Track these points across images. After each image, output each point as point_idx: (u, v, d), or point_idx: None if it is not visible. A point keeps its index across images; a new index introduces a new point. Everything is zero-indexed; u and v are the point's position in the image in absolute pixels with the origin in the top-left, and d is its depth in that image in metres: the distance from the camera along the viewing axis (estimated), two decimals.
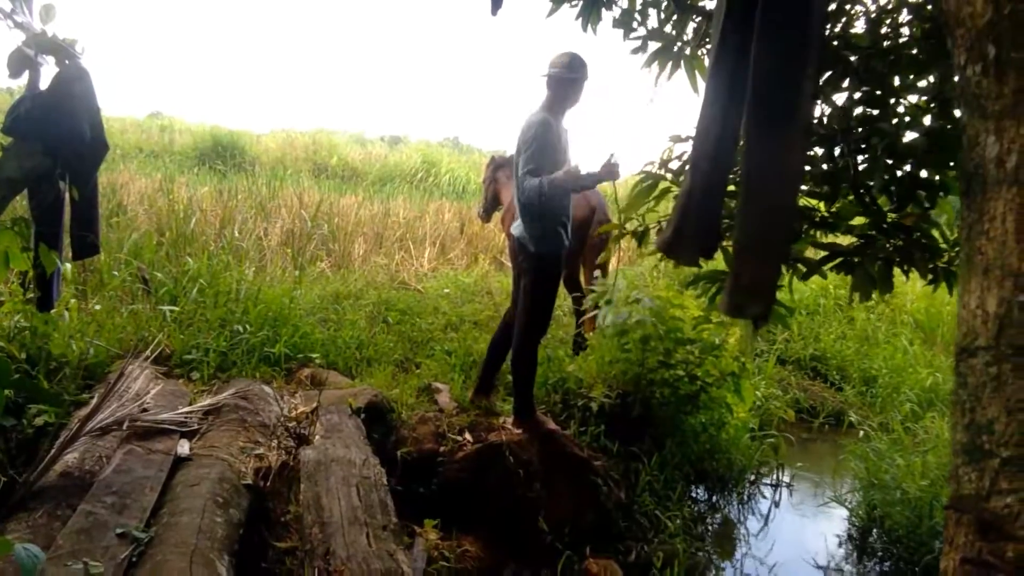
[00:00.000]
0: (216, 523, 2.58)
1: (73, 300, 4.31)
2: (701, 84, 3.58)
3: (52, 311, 3.27)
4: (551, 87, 3.82)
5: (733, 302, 2.01)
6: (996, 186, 1.13)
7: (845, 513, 4.41)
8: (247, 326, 4.59)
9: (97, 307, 4.37)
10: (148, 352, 3.72)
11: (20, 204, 3.11)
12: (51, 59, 2.87)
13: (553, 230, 3.77)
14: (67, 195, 2.98)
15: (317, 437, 3.46)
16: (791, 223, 2.19)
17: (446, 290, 7.00)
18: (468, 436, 3.91)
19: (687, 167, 2.34)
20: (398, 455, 3.67)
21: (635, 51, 3.90)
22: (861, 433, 5.31)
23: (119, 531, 2.40)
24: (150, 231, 5.97)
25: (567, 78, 3.79)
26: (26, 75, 2.90)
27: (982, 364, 1.15)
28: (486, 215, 6.28)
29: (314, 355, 4.65)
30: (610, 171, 3.65)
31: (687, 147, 3.83)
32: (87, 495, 2.61)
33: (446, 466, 3.73)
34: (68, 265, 4.56)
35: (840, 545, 4.18)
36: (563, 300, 7.83)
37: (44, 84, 2.95)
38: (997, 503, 1.11)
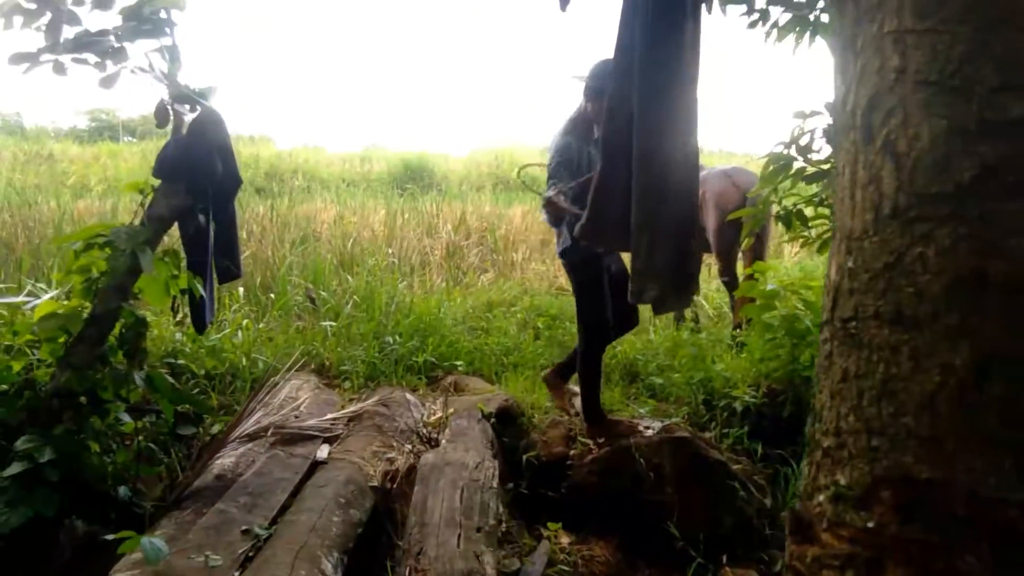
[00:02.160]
0: (332, 522, 2.76)
1: (247, 320, 4.82)
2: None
3: (205, 331, 3.68)
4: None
5: (633, 288, 1.86)
6: (841, 134, 0.94)
7: None
8: (397, 337, 4.87)
9: (260, 325, 4.86)
10: (290, 363, 4.07)
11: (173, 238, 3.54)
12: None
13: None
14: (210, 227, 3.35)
15: (443, 441, 3.59)
16: (687, 200, 1.98)
17: None
18: (600, 439, 3.85)
19: (601, 154, 2.20)
20: (524, 459, 3.71)
21: (752, 25, 3.64)
22: None
23: (244, 528, 2.65)
24: (319, 253, 6.54)
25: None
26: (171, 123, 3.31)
27: (821, 341, 0.97)
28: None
29: (459, 363, 4.82)
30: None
31: (816, 122, 3.54)
32: (225, 495, 2.91)
33: (575, 470, 3.70)
34: (241, 290, 5.12)
35: None
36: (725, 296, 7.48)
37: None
38: (814, 501, 0.92)
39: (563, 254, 3.81)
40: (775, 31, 3.57)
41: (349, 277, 5.84)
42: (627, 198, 2.03)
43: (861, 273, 0.90)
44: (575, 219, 3.66)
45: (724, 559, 3.42)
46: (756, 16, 3.56)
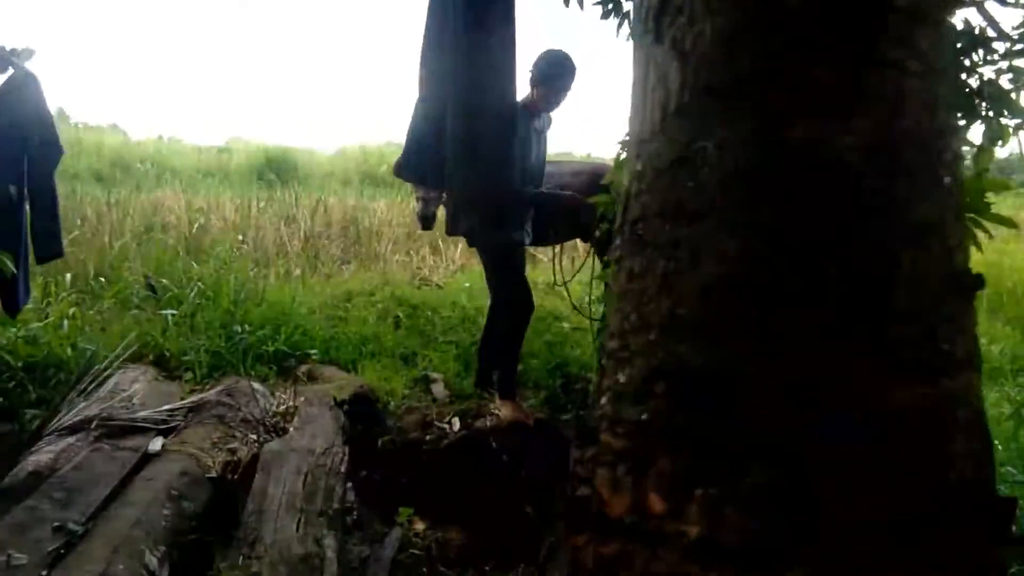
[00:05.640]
0: (161, 515, 2.56)
1: (74, 309, 4.43)
2: None
3: (17, 315, 3.33)
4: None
5: (449, 219, 1.93)
6: (637, 41, 0.96)
7: None
8: (246, 326, 4.62)
9: (90, 312, 4.48)
10: (116, 352, 3.78)
11: None
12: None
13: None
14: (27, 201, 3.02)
15: (291, 429, 3.43)
16: (502, 145, 2.08)
17: (467, 284, 6.92)
18: (455, 424, 3.81)
19: (419, 101, 2.26)
20: (379, 444, 3.62)
21: (605, 16, 3.72)
22: None
23: (56, 525, 2.40)
24: (159, 239, 6.12)
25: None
26: None
27: (612, 251, 1.00)
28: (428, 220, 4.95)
29: (312, 351, 4.64)
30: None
31: None
32: (36, 491, 2.63)
33: (430, 455, 3.64)
34: (69, 276, 4.71)
35: None
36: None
37: None
38: (598, 405, 0.95)
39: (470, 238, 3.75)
40: (626, 22, 3.66)
41: (194, 264, 5.49)
42: (442, 141, 2.05)
43: (648, 173, 0.90)
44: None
45: None
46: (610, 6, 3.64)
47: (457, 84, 1.96)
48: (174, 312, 4.68)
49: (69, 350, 3.98)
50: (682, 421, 0.82)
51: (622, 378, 0.89)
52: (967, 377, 0.82)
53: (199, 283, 5.07)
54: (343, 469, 2.93)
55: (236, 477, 3.13)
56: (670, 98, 0.87)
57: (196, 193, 10.99)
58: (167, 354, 4.38)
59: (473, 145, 1.95)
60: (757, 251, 0.79)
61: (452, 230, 2.04)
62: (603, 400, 0.92)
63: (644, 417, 0.85)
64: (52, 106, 3.03)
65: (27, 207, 3.05)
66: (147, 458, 3.09)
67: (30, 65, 2.98)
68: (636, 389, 0.87)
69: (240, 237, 6.70)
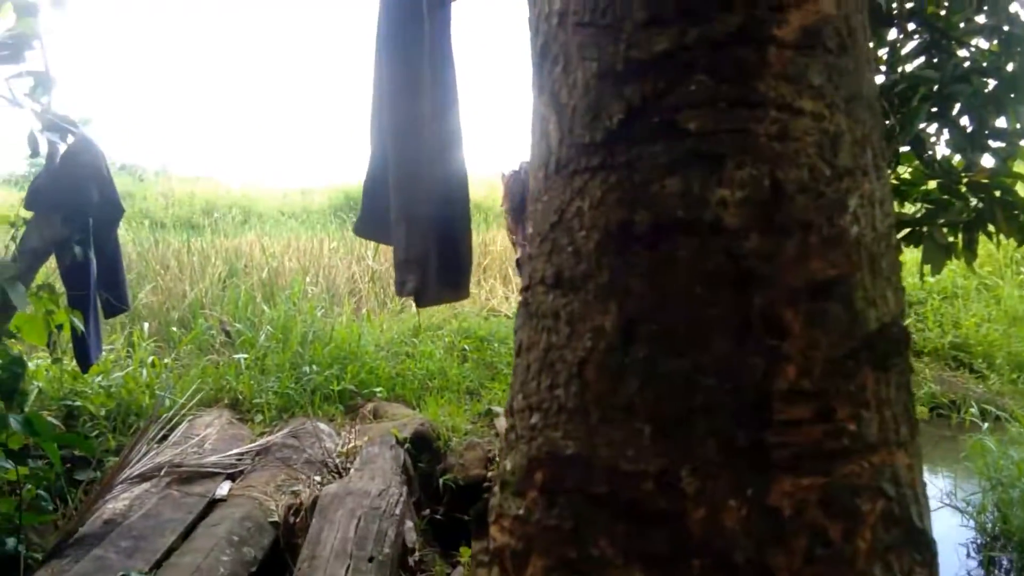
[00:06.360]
0: (220, 561, 2.61)
1: (153, 357, 4.63)
2: None
3: (89, 369, 3.48)
4: None
5: (396, 279, 1.85)
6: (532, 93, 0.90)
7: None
8: (314, 367, 4.71)
9: (166, 361, 4.67)
10: (185, 398, 3.90)
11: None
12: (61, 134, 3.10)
13: None
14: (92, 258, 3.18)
15: (352, 470, 3.45)
16: (452, 190, 1.97)
17: None
18: None
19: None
20: (440, 483, 3.60)
21: None
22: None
23: (121, 574, 2.48)
24: (235, 284, 6.35)
25: None
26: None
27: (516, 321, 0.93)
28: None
29: (378, 389, 4.69)
30: None
31: None
32: (105, 540, 2.73)
33: (491, 491, 3.60)
34: (146, 325, 4.93)
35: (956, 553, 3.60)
36: None
37: None
38: (492, 494, 0.87)
39: None
40: None
41: (265, 308, 5.67)
42: (387, 195, 2.01)
43: (536, 237, 0.85)
44: None
45: None
46: None
47: (391, 130, 1.94)
48: (245, 356, 4.83)
49: (147, 398, 4.15)
50: (555, 517, 0.76)
51: (508, 465, 0.84)
52: (881, 458, 0.72)
53: (269, 326, 5.23)
54: (399, 511, 2.92)
55: (297, 520, 3.17)
56: (551, 155, 0.82)
57: (276, 236, 11.37)
58: (240, 397, 4.51)
59: (412, 196, 1.91)
60: (631, 326, 0.73)
61: (399, 291, 2.00)
62: (496, 488, 0.87)
63: (520, 512, 0.79)
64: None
65: (94, 266, 3.21)
66: (214, 503, 3.17)
67: (88, 130, 3.17)
68: (519, 479, 0.81)
69: (307, 278, 6.88)
